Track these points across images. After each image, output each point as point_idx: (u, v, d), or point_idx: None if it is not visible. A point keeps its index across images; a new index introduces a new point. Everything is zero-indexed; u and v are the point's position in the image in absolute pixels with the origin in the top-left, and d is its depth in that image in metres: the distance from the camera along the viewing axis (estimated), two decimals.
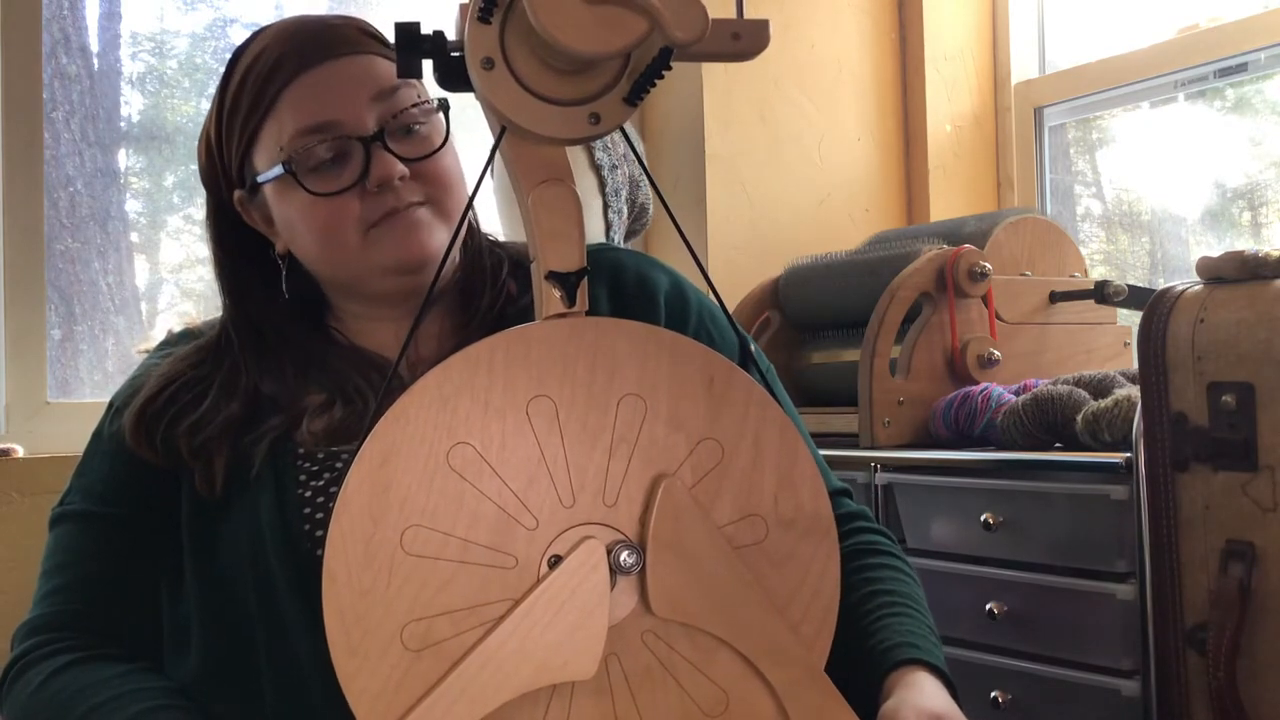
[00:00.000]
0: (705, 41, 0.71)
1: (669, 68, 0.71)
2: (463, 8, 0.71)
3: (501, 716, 0.65)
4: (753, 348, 0.98)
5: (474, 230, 1.03)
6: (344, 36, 0.95)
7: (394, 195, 0.93)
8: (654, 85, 0.72)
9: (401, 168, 0.92)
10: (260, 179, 0.95)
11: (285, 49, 0.94)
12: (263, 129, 0.94)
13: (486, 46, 0.69)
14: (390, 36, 0.76)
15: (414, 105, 0.94)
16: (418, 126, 0.95)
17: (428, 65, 0.74)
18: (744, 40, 0.73)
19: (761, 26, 0.74)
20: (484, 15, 0.68)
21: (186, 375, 0.98)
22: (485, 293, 1.00)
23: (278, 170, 0.93)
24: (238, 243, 1.00)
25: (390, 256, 0.93)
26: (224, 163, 0.98)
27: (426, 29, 0.74)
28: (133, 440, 0.95)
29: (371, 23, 0.99)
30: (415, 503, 0.66)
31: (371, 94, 0.93)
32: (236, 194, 0.98)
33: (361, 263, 0.94)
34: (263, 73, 0.94)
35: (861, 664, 0.86)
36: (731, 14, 0.77)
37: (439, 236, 0.94)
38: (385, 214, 0.93)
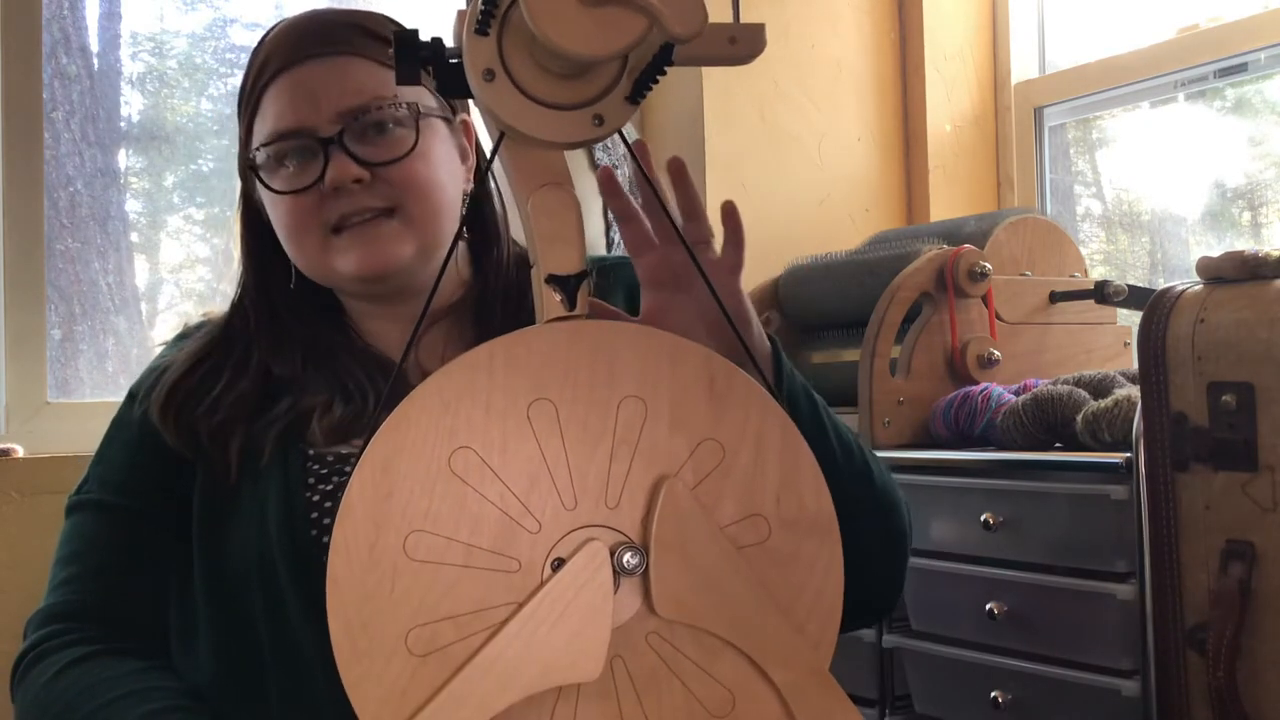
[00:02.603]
0: (702, 45, 0.71)
1: (671, 63, 0.71)
2: (460, 15, 0.71)
3: None
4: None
5: (498, 240, 1.02)
6: (335, 36, 0.95)
7: (349, 200, 0.92)
8: (655, 83, 0.72)
9: (357, 170, 0.91)
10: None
11: (276, 46, 0.95)
12: (254, 124, 0.96)
13: (486, 58, 0.69)
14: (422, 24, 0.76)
15: (378, 108, 0.92)
16: (395, 128, 0.93)
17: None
18: (740, 44, 0.74)
19: (758, 30, 0.74)
20: (481, 28, 0.68)
21: (211, 355, 0.99)
22: (501, 305, 0.99)
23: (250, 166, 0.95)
24: (262, 228, 1.00)
25: (349, 266, 0.93)
26: (241, 147, 0.99)
27: (427, 32, 0.74)
28: (159, 419, 0.95)
29: (390, 18, 0.98)
30: (418, 508, 0.65)
31: (341, 96, 0.92)
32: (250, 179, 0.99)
33: (325, 266, 0.95)
34: (256, 69, 0.96)
35: None
36: (729, 18, 0.77)
37: (404, 247, 0.93)
38: (342, 219, 0.92)
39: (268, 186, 0.94)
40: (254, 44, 0.99)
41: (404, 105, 0.93)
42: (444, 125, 0.98)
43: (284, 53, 0.94)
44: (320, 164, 0.92)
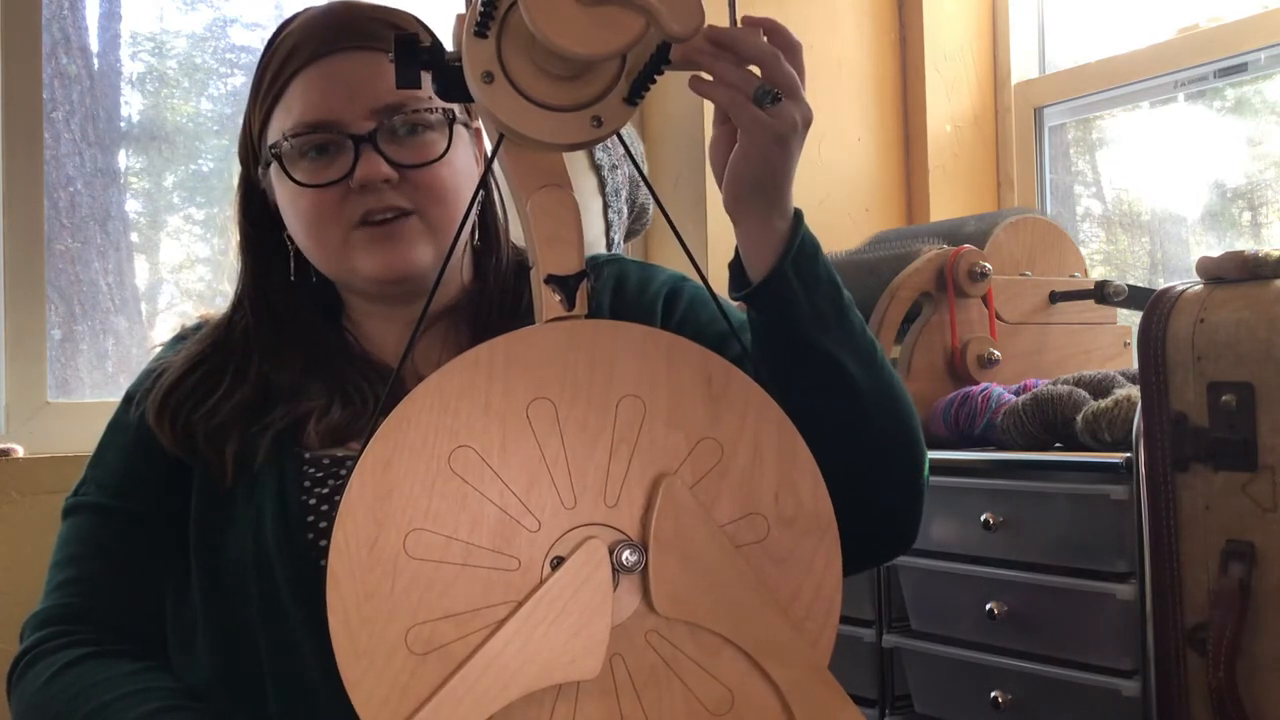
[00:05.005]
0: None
1: (668, 63, 0.71)
2: (459, 18, 0.71)
3: (507, 718, 0.66)
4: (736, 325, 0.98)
5: (498, 245, 1.02)
6: (370, 30, 0.93)
7: (375, 197, 0.91)
8: (653, 83, 0.72)
9: (387, 170, 0.90)
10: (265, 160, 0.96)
11: (307, 33, 0.94)
12: (274, 111, 0.94)
13: (485, 60, 0.69)
14: (432, 25, 0.75)
15: (414, 110, 0.92)
16: (426, 131, 0.93)
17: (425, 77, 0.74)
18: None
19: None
20: (480, 30, 0.69)
21: (209, 359, 0.98)
22: (498, 309, 0.99)
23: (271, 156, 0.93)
24: (263, 221, 0.99)
25: (369, 265, 0.93)
26: (250, 137, 0.98)
27: (429, 30, 0.74)
28: (155, 422, 0.94)
29: (417, 18, 0.97)
30: (418, 506, 0.66)
31: (377, 93, 0.92)
32: (259, 170, 0.98)
33: (343, 263, 0.94)
34: (282, 55, 0.94)
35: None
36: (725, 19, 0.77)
37: (423, 250, 0.93)
38: (365, 216, 0.91)
39: (291, 178, 0.92)
40: (253, 44, 0.98)
41: (438, 109, 0.93)
42: (466, 131, 0.97)
43: (315, 41, 0.93)
44: (348, 159, 0.91)
